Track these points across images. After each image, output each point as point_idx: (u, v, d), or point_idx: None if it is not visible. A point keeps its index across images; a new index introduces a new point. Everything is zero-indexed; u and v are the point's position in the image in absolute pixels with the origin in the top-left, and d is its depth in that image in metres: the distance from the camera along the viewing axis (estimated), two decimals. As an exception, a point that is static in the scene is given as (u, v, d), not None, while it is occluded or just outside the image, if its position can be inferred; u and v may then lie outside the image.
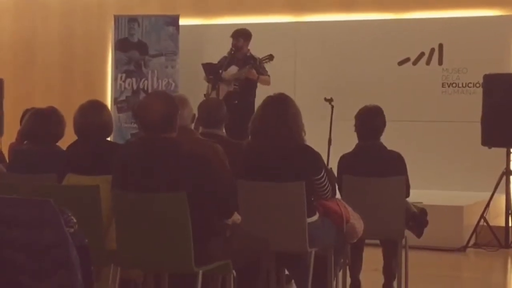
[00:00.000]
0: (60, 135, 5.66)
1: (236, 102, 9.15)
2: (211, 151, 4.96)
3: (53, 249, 2.81)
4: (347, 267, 5.75)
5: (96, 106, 5.09)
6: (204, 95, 9.32)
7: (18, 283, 2.78)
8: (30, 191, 4.47)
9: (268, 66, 9.49)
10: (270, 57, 9.37)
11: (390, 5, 10.33)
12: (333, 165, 6.10)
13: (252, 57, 9.43)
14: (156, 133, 4.28)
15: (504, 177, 8.40)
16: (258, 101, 5.24)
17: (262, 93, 5.50)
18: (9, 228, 2.80)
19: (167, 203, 4.19)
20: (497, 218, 8.64)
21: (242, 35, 9.55)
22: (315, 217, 4.99)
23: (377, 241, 6.12)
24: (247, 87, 9.35)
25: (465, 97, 9.87)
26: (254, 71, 9.32)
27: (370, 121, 5.92)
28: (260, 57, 9.39)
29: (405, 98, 10.06)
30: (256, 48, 9.52)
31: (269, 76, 9.41)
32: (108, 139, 5.28)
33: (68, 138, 5.49)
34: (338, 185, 5.55)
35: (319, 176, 4.94)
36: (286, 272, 5.41)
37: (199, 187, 4.19)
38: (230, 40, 9.56)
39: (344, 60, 10.34)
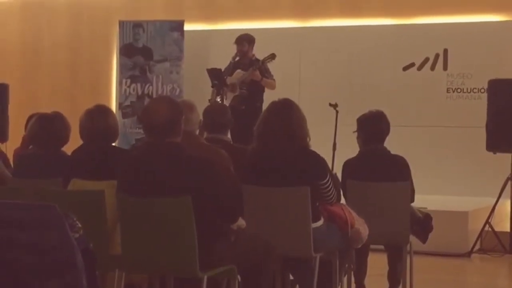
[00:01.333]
0: (65, 140, 5.68)
1: (244, 107, 9.18)
2: (215, 156, 4.96)
3: (58, 253, 2.81)
4: (352, 272, 5.75)
5: (102, 111, 5.10)
6: (209, 100, 9.33)
7: (23, 286, 2.78)
8: (35, 196, 4.48)
9: (273, 71, 9.50)
10: (272, 56, 9.38)
11: (395, 10, 10.34)
12: (338, 170, 6.10)
13: (257, 60, 9.46)
14: (160, 137, 4.29)
15: (509, 183, 8.38)
16: (265, 107, 5.24)
17: (269, 99, 5.50)
18: (14, 232, 2.80)
19: (172, 208, 4.19)
20: (502, 223, 8.63)
21: (246, 39, 9.58)
22: (320, 222, 5.00)
23: (382, 246, 6.12)
24: (254, 90, 9.37)
25: (469, 103, 9.87)
26: (257, 72, 9.33)
27: (373, 126, 5.91)
28: (262, 58, 9.41)
29: (409, 103, 10.07)
30: (261, 53, 9.53)
31: (274, 80, 9.42)
32: (113, 144, 5.29)
33: (73, 143, 5.50)
34: (342, 190, 5.54)
35: (324, 181, 4.94)
36: (291, 276, 5.40)
37: (203, 191, 4.19)
38: (235, 46, 9.59)
39: (349, 66, 10.35)
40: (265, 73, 9.42)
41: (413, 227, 5.85)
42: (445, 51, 10.02)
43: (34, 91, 11.92)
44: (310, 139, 5.03)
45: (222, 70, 9.61)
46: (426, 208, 6.77)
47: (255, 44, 9.62)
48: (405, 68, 10.18)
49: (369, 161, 5.88)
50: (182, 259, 4.22)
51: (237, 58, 9.62)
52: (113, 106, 10.99)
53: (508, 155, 8.44)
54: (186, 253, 4.18)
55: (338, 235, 5.09)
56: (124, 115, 10.77)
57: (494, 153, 8.44)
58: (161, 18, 10.94)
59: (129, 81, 10.83)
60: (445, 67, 10.05)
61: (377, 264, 6.25)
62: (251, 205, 4.90)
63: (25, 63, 12.06)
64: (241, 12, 10.98)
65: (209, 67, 9.81)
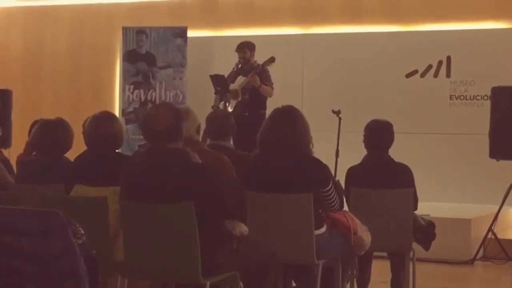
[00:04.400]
0: (68, 146, 5.67)
1: (247, 114, 9.19)
2: (218, 163, 4.96)
3: (60, 260, 2.81)
4: (355, 280, 5.74)
5: (108, 117, 5.10)
6: (212, 107, 9.34)
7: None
8: (38, 202, 4.48)
9: (276, 78, 9.51)
10: (272, 59, 9.38)
11: (398, 17, 10.34)
12: (341, 177, 6.10)
13: (258, 65, 9.47)
14: (162, 143, 4.29)
15: (512, 190, 8.38)
16: (269, 113, 5.24)
17: (272, 106, 5.51)
18: (17, 238, 2.80)
19: (175, 214, 4.19)
20: (505, 231, 8.61)
21: (247, 46, 9.61)
22: (322, 229, 4.99)
23: (385, 254, 6.11)
24: (257, 96, 9.38)
25: (473, 110, 9.86)
26: (257, 78, 9.34)
27: (378, 135, 5.92)
28: (262, 62, 9.41)
29: (412, 110, 10.06)
30: (264, 60, 9.54)
31: (272, 89, 9.43)
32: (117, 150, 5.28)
33: (76, 149, 5.50)
34: (345, 197, 5.54)
35: (327, 188, 4.94)
36: (294, 283, 5.39)
37: (206, 196, 4.19)
38: (236, 53, 9.61)
39: (352, 72, 10.35)
40: (265, 80, 9.43)
41: (416, 235, 5.85)
42: (448, 58, 10.02)
43: (37, 97, 11.93)
44: (313, 146, 5.03)
45: (225, 76, 9.63)
46: (429, 215, 6.77)
47: (257, 51, 9.64)
48: (408, 75, 10.17)
49: (372, 169, 5.88)
50: (185, 265, 4.22)
51: (240, 65, 9.64)
52: (116, 112, 10.98)
53: (511, 162, 8.42)
54: (189, 259, 4.18)
55: (341, 242, 5.09)
56: (127, 121, 10.77)
57: (497, 160, 8.43)
58: (164, 24, 10.95)
59: (132, 87, 10.83)
60: (448, 74, 10.04)
61: (380, 271, 6.24)
62: (254, 211, 4.89)
63: (28, 69, 12.07)
64: (244, 19, 10.99)
65: (212, 73, 9.82)
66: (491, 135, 8.36)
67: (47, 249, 2.79)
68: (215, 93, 9.58)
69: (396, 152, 6.01)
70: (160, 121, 4.29)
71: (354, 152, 6.22)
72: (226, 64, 9.85)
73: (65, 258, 2.80)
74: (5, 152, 8.42)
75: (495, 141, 8.33)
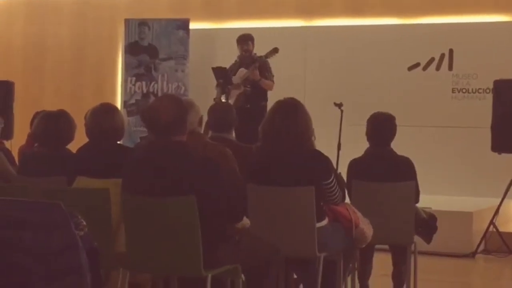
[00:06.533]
0: (70, 138, 5.68)
1: (248, 106, 9.20)
2: (220, 155, 4.96)
3: (62, 252, 2.81)
4: (356, 272, 5.74)
5: (109, 109, 5.10)
6: (214, 99, 9.33)
7: (27, 287, 2.78)
8: (39, 194, 4.48)
9: (278, 71, 9.50)
10: (275, 50, 9.38)
11: (400, 10, 10.33)
12: (343, 170, 6.09)
13: (259, 57, 9.47)
14: (166, 136, 4.28)
15: (514, 183, 8.38)
16: (270, 105, 5.23)
17: (274, 98, 5.50)
18: (18, 231, 2.80)
19: (177, 207, 4.19)
20: (507, 224, 8.62)
21: (250, 39, 9.62)
22: (324, 222, 4.99)
23: (387, 247, 6.11)
24: (258, 88, 9.39)
25: (475, 103, 9.86)
26: (257, 72, 9.35)
27: (381, 128, 5.92)
28: (265, 53, 9.41)
29: (414, 103, 10.06)
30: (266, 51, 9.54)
31: (273, 82, 9.43)
32: (119, 142, 5.28)
33: (78, 141, 5.50)
34: (347, 190, 5.54)
35: (329, 181, 4.93)
36: (295, 276, 5.39)
37: (208, 190, 4.19)
38: (237, 45, 9.61)
39: (354, 65, 10.34)
40: (266, 72, 9.43)
41: (417, 228, 5.85)
42: (451, 51, 10.01)
43: (39, 89, 11.93)
44: (315, 139, 5.02)
45: (227, 69, 9.63)
46: (430, 208, 6.77)
47: (260, 43, 9.64)
48: (410, 68, 10.17)
49: (374, 162, 5.88)
50: (187, 258, 4.22)
51: (242, 58, 9.65)
52: (118, 104, 10.99)
53: (513, 155, 8.43)
54: (191, 252, 4.18)
55: (343, 235, 5.08)
56: (129, 113, 10.77)
57: (499, 153, 8.43)
58: (166, 16, 10.94)
59: (134, 79, 10.84)
60: (450, 67, 10.03)
61: (382, 264, 6.25)
62: (256, 204, 4.89)
63: (31, 62, 12.07)
64: (246, 11, 10.98)
65: (215, 65, 9.81)
66: (493, 129, 8.36)
67: (49, 242, 2.79)
68: (217, 85, 9.57)
69: (398, 145, 6.00)
70: (165, 113, 4.27)
71: (356, 145, 6.22)
72: (229, 56, 9.85)
73: (67, 251, 2.80)
74: (7, 144, 8.42)
75: (497, 134, 8.32)
